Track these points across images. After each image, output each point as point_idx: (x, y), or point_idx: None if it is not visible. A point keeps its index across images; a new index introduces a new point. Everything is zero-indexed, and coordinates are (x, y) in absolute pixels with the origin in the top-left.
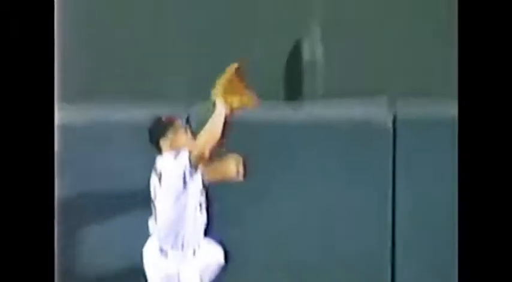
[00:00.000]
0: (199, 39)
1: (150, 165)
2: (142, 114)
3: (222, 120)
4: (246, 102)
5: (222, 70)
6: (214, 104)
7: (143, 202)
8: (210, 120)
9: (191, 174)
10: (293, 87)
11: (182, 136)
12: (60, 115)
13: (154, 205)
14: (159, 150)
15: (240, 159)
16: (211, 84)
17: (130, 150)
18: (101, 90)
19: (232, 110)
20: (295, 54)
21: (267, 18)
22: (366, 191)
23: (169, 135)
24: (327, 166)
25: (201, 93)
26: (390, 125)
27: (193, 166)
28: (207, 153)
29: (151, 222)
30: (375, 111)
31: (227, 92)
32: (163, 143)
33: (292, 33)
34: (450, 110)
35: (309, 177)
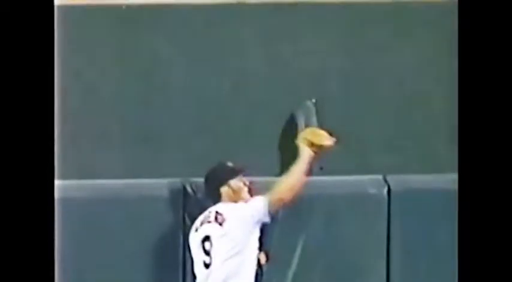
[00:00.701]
0: (195, 118)
1: (149, 238)
2: (139, 189)
3: (306, 166)
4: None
5: (216, 148)
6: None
7: (146, 274)
8: (296, 166)
9: (259, 222)
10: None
11: (244, 188)
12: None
13: (210, 257)
14: (216, 196)
15: (262, 254)
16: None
17: (129, 224)
18: (99, 167)
19: (317, 151)
20: (290, 131)
21: (262, 96)
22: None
23: (232, 185)
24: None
25: (196, 171)
26: (385, 196)
27: (271, 211)
28: (289, 197)
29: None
30: (370, 184)
31: (309, 139)
32: (225, 192)
33: (288, 109)
34: (445, 182)
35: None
